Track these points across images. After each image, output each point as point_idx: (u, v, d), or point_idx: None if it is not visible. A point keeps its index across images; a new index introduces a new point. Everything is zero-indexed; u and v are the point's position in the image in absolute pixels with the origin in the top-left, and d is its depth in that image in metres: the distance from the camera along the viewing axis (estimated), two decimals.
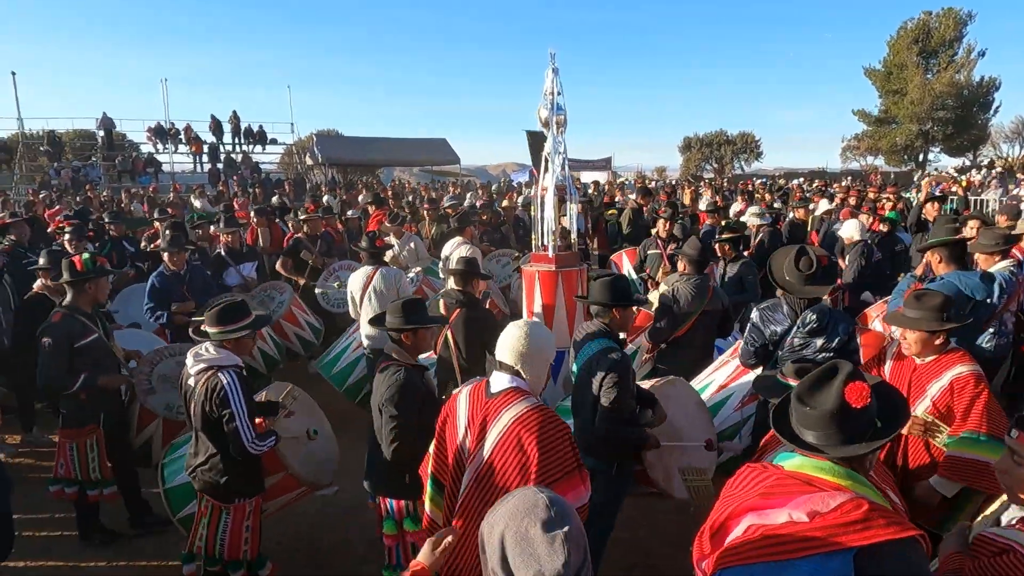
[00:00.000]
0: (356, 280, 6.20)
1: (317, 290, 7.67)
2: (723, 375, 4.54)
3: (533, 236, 6.38)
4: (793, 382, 2.44)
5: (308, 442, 3.89)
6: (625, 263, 7.80)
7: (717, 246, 6.46)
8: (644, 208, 9.88)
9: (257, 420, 3.60)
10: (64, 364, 4.01)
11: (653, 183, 24.66)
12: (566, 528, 1.45)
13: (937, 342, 3.10)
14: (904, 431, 2.95)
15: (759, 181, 23.32)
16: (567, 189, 6.26)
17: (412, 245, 8.29)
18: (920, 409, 3.11)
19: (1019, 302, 4.80)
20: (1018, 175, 23.43)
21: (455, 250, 7.61)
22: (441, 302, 5.01)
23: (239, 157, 26.15)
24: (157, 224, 9.14)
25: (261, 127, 27.27)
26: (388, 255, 7.61)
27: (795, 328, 3.54)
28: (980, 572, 1.87)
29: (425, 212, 10.22)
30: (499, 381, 2.59)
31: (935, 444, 3.07)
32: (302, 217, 8.55)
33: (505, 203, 12.73)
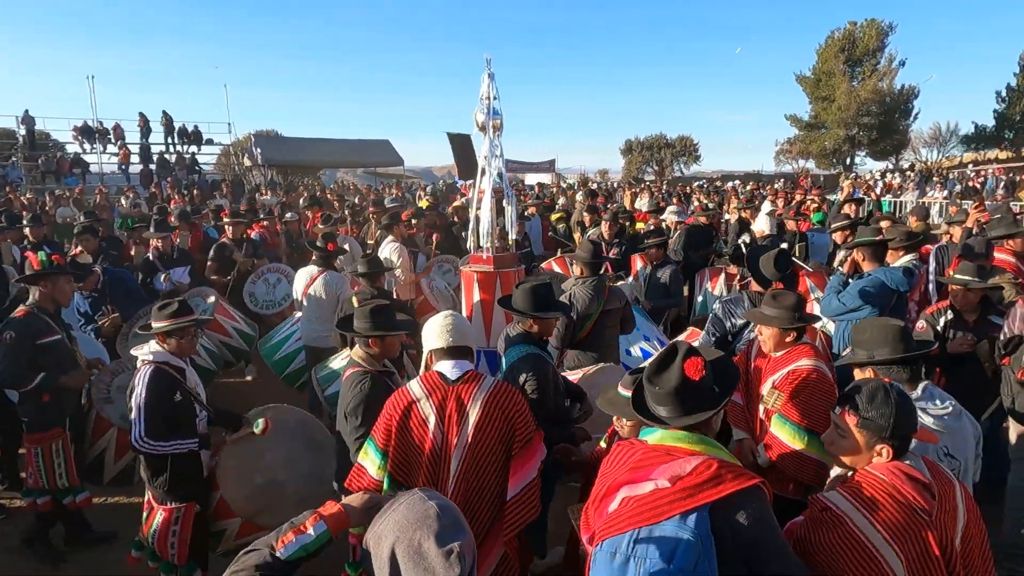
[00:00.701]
0: (300, 279, 6.24)
1: (245, 292, 7.52)
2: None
3: (471, 238, 6.46)
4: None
5: (270, 469, 3.53)
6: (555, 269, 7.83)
7: (604, 228, 6.70)
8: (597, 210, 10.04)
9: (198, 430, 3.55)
10: (23, 360, 3.87)
11: (596, 185, 25.08)
12: (460, 540, 1.41)
13: (788, 339, 3.24)
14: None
15: (697, 184, 24.02)
16: (504, 191, 6.36)
17: (347, 247, 8.17)
18: (765, 389, 3.28)
19: (921, 294, 5.21)
20: (934, 178, 24.91)
21: (383, 249, 7.64)
22: (355, 299, 5.04)
23: (173, 158, 25.26)
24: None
25: (196, 127, 26.44)
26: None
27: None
28: (806, 528, 2.08)
29: (371, 214, 10.12)
30: (453, 368, 2.76)
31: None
32: (226, 220, 8.33)
33: (457, 203, 12.69)
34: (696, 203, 12.31)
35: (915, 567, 1.94)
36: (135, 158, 24.97)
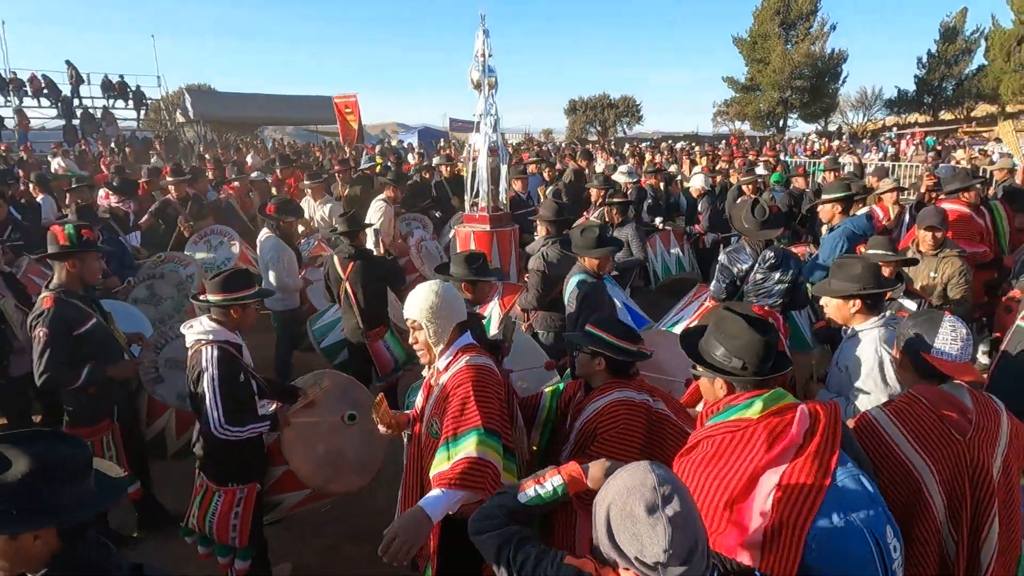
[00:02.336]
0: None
1: (185, 250, 7.08)
2: (690, 312, 4.99)
3: (466, 196, 6.49)
4: (596, 330, 2.76)
5: (327, 437, 3.51)
6: None
7: (605, 211, 6.52)
8: (585, 172, 9.92)
9: (272, 406, 3.48)
10: (63, 355, 3.48)
11: (545, 146, 25.10)
12: (671, 512, 1.41)
13: (853, 310, 3.21)
14: None
15: (645, 144, 24.41)
16: (498, 150, 6.40)
17: (327, 209, 7.97)
18: None
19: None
20: (865, 140, 26.17)
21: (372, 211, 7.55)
22: (336, 259, 5.10)
23: (98, 113, 23.64)
24: None
25: (123, 79, 24.69)
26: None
27: (756, 265, 4.09)
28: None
29: (336, 173, 9.88)
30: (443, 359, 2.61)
31: None
32: (169, 179, 7.90)
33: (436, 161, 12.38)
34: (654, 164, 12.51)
35: (948, 483, 2.16)
36: (55, 112, 23.20)
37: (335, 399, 3.61)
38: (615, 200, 6.30)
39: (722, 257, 4.46)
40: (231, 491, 3.22)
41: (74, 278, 3.61)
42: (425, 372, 2.80)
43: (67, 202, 8.14)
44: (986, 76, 36.47)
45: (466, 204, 6.50)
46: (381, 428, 2.81)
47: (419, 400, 2.77)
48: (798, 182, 8.99)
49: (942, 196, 6.03)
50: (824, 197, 5.56)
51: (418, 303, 2.55)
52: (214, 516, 3.22)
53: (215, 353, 3.05)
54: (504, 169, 6.40)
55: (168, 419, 4.29)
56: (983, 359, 5.47)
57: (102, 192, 8.19)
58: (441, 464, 2.39)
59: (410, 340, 2.66)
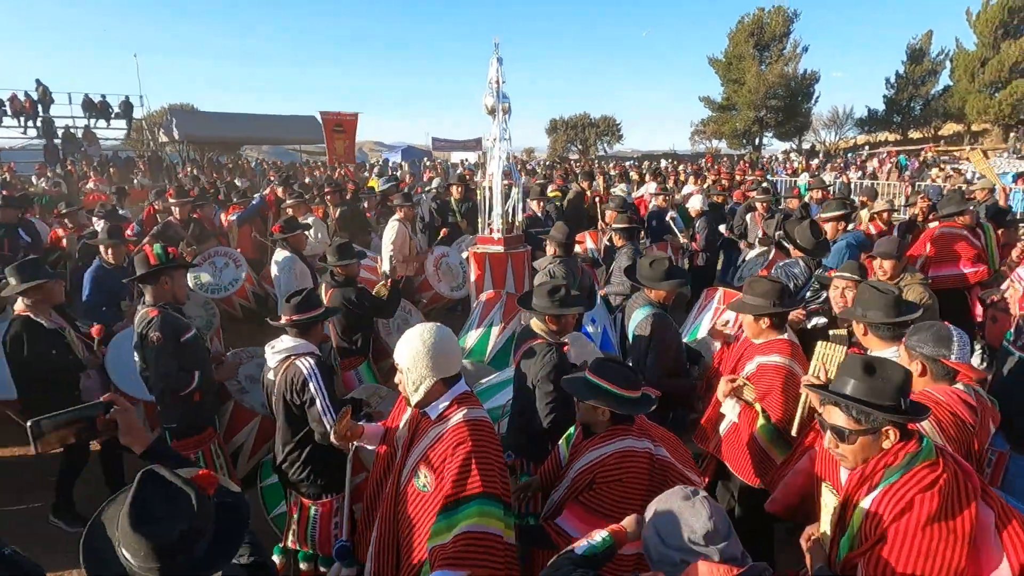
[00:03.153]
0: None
1: (190, 275, 7.01)
2: (707, 318, 5.19)
3: (480, 219, 6.63)
4: (598, 379, 2.69)
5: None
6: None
7: (613, 235, 6.57)
8: (587, 193, 10.09)
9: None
10: (175, 361, 3.59)
11: (529, 165, 25.41)
12: (702, 495, 1.68)
13: (764, 325, 3.34)
14: (719, 393, 3.38)
15: (629, 163, 24.85)
16: (512, 174, 6.56)
17: (318, 233, 7.89)
18: (741, 377, 3.42)
19: None
20: (838, 160, 26.92)
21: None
22: (323, 285, 5.16)
23: (79, 132, 23.38)
24: None
25: (104, 98, 24.49)
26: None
27: (809, 281, 4.50)
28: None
29: (326, 196, 9.65)
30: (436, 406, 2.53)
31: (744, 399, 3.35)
32: (172, 200, 7.92)
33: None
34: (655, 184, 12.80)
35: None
36: (33, 132, 22.91)
37: (387, 408, 3.75)
38: (620, 226, 6.39)
39: (774, 272, 4.75)
40: (327, 503, 3.32)
41: (167, 294, 3.70)
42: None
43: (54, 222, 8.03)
44: (952, 96, 37.76)
45: (480, 226, 6.63)
46: (333, 438, 2.81)
47: (402, 431, 2.69)
48: (791, 203, 9.29)
49: (938, 218, 6.30)
50: (825, 215, 5.82)
51: (402, 346, 2.49)
52: (315, 529, 3.31)
53: (313, 362, 3.18)
54: (515, 192, 6.54)
55: (251, 431, 4.28)
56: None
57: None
58: (441, 536, 2.31)
59: (395, 379, 2.58)
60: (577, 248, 7.41)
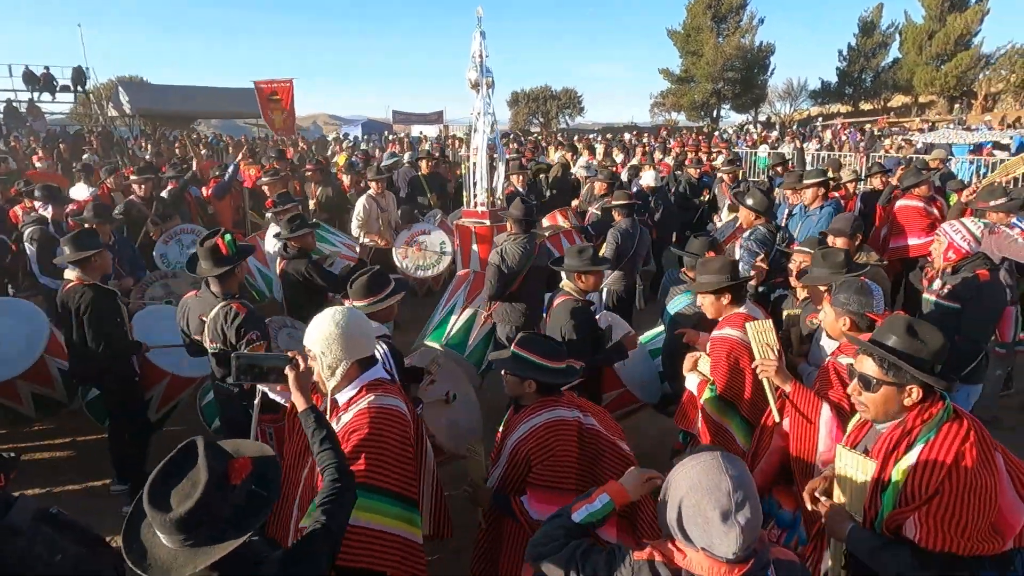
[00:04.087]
0: None
1: (156, 253, 7.00)
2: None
3: (465, 193, 6.69)
4: (524, 352, 2.78)
5: (449, 409, 3.83)
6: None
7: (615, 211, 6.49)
8: (570, 164, 10.18)
9: None
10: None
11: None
12: (743, 520, 1.48)
13: (724, 301, 3.41)
14: (684, 369, 3.52)
15: (591, 135, 24.98)
16: (496, 148, 6.62)
17: None
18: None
19: None
20: (794, 129, 27.58)
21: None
22: (277, 258, 5.26)
23: (22, 107, 22.29)
24: None
25: (48, 70, 23.31)
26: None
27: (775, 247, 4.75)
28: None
29: (307, 172, 9.55)
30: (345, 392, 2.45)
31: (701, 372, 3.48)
32: (134, 177, 7.60)
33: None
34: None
35: None
36: None
37: (444, 375, 3.90)
38: (619, 203, 6.35)
39: (748, 244, 4.93)
40: None
41: (232, 286, 3.65)
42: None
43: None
44: (901, 68, 38.94)
45: (465, 200, 6.70)
46: None
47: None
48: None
49: (901, 190, 6.62)
50: (808, 182, 6.10)
51: (313, 330, 2.38)
52: None
53: (386, 347, 3.22)
54: (501, 166, 6.62)
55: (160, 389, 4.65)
56: None
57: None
58: (310, 518, 2.16)
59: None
60: (547, 223, 7.58)
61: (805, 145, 18.54)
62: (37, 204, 7.18)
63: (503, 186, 6.80)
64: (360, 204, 7.80)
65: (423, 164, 9.63)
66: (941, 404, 2.12)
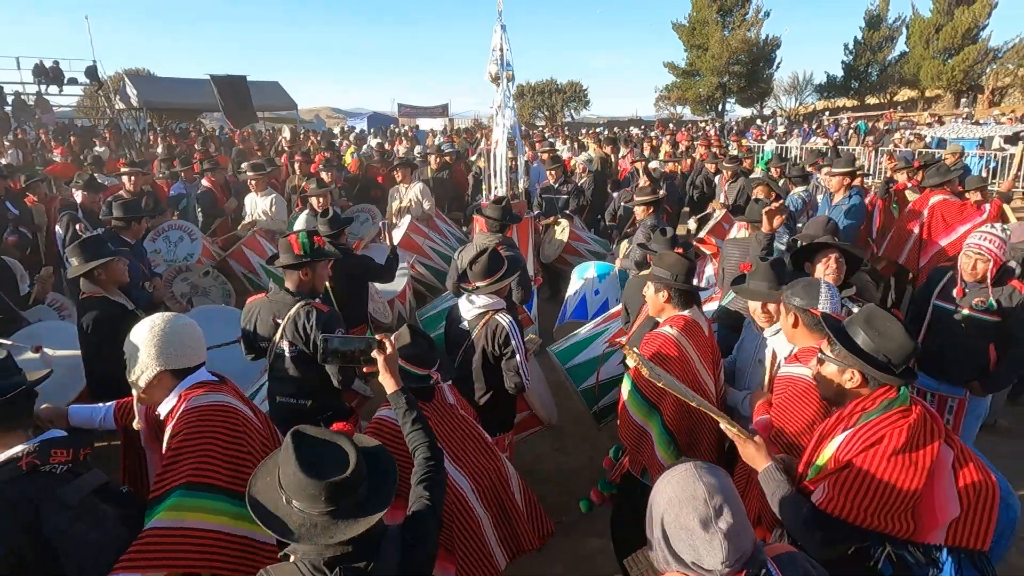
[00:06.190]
0: None
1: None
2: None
3: (485, 186, 6.75)
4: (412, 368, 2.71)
5: (539, 384, 4.12)
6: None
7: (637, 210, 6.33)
8: (611, 160, 10.06)
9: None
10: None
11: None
12: (724, 525, 1.45)
13: (662, 299, 3.27)
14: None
15: (597, 129, 24.95)
16: (515, 141, 6.66)
17: (268, 202, 7.58)
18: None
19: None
20: (804, 125, 27.51)
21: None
22: None
23: (31, 99, 22.34)
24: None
25: (57, 64, 23.34)
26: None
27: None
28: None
29: (297, 165, 9.48)
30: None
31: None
32: (124, 170, 7.59)
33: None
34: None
35: None
36: None
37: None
38: (645, 199, 6.05)
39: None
40: (498, 441, 3.64)
41: (307, 286, 3.50)
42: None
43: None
44: (907, 62, 38.75)
45: (485, 193, 6.75)
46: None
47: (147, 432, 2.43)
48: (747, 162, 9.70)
49: (926, 188, 6.50)
50: (835, 171, 6.17)
51: (131, 333, 2.27)
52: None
53: (511, 318, 3.51)
54: (521, 160, 6.67)
55: None
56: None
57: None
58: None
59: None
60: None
61: (812, 140, 18.52)
62: (74, 192, 7.31)
63: (523, 179, 6.87)
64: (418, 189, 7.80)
65: (432, 160, 9.62)
66: (893, 393, 2.18)
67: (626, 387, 3.13)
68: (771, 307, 3.16)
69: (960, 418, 4.07)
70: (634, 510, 2.94)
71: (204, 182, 8.17)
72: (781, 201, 4.64)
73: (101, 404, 2.63)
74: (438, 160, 9.63)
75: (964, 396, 4.03)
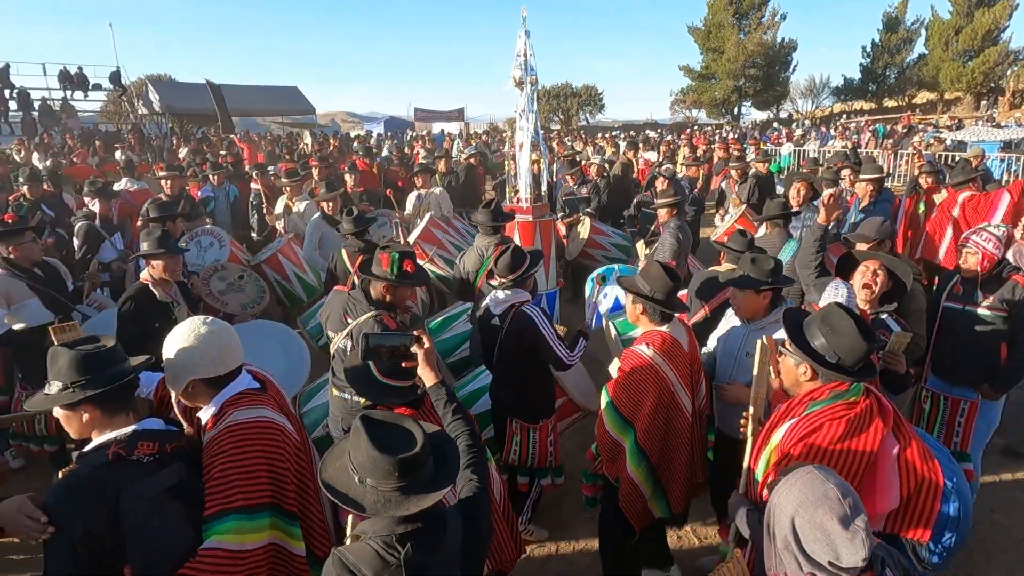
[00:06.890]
0: None
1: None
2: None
3: (508, 189, 6.83)
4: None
5: (576, 373, 4.27)
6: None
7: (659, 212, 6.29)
8: (633, 163, 10.16)
9: None
10: None
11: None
12: (862, 523, 1.48)
13: (638, 311, 3.21)
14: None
15: (614, 133, 25.00)
16: (539, 144, 6.74)
17: (303, 207, 7.72)
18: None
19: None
20: (822, 128, 27.37)
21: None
22: (344, 252, 5.35)
23: (56, 105, 22.78)
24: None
25: (81, 70, 23.82)
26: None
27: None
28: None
29: (315, 169, 9.32)
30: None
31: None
32: (162, 174, 7.81)
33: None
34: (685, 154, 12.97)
35: None
36: (13, 104, 22.30)
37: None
38: (668, 201, 6.01)
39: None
40: (543, 426, 3.88)
41: (384, 300, 3.52)
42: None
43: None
44: (926, 65, 38.43)
45: (507, 196, 6.83)
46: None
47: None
48: (759, 166, 9.65)
49: (950, 187, 6.53)
50: (864, 177, 6.18)
51: (171, 334, 2.25)
52: (535, 448, 3.88)
53: (536, 308, 3.68)
54: (544, 163, 6.74)
55: None
56: None
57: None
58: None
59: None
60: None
61: (830, 143, 18.44)
62: (86, 199, 7.49)
63: (547, 181, 6.94)
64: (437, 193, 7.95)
65: (440, 163, 9.63)
66: (843, 387, 2.23)
67: (604, 400, 3.18)
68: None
69: (971, 422, 4.06)
70: (616, 511, 3.21)
71: (253, 185, 8.34)
72: (840, 188, 4.73)
73: (155, 373, 2.60)
74: (445, 163, 9.70)
75: (976, 399, 4.03)
